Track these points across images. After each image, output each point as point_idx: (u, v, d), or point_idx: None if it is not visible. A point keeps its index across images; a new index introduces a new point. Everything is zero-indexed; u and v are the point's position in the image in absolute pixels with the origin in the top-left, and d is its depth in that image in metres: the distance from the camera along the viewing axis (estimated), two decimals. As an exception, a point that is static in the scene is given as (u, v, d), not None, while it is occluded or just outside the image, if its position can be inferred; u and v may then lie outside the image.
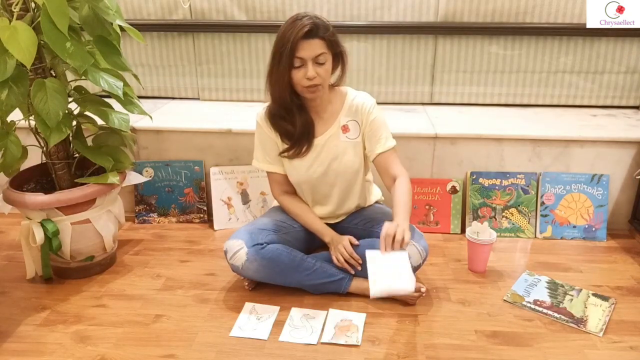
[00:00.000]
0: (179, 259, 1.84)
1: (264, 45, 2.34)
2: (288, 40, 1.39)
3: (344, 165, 1.59)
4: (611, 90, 2.32)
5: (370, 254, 1.40)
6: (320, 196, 1.67)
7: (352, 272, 1.57)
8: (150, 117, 1.82)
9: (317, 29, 1.41)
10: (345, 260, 1.56)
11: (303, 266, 1.55)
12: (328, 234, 1.64)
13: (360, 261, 1.55)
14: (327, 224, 1.74)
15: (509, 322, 1.48)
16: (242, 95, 2.46)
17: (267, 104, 1.58)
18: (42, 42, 1.48)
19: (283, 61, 1.41)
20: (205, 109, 2.34)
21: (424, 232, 1.64)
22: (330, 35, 1.44)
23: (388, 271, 1.34)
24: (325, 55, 1.44)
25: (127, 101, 1.64)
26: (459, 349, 1.37)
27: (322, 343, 1.39)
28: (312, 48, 1.41)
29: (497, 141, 1.99)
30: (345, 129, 1.58)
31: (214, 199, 2.07)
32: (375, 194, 1.81)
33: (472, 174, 2.01)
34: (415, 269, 1.54)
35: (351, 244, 1.59)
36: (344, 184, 1.63)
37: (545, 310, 1.53)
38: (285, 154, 1.59)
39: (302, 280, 1.56)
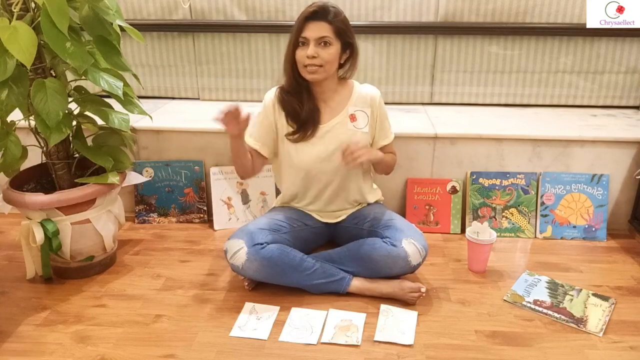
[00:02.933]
0: (179, 259, 1.84)
1: (264, 45, 2.35)
2: (297, 21, 1.48)
3: None
4: (611, 90, 2.32)
5: (384, 307, 1.51)
6: (320, 185, 1.67)
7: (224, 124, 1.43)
8: (150, 117, 1.82)
9: (324, 13, 1.47)
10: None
11: (303, 266, 1.55)
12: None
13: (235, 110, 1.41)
14: (326, 223, 1.75)
15: (509, 322, 1.48)
16: (242, 95, 2.46)
17: (280, 85, 1.64)
18: (42, 42, 1.48)
19: (291, 41, 1.50)
20: (205, 109, 2.34)
21: (424, 232, 1.64)
22: (339, 22, 1.49)
23: (396, 326, 1.45)
24: (329, 40, 1.48)
25: (127, 101, 1.64)
26: (459, 349, 1.37)
27: (322, 343, 1.39)
28: (317, 29, 1.46)
29: (497, 141, 1.99)
30: (352, 117, 1.61)
31: (214, 199, 2.07)
32: (376, 194, 1.81)
33: (472, 174, 2.01)
34: (414, 268, 1.55)
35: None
36: (344, 173, 1.64)
37: (545, 310, 1.53)
38: (291, 137, 1.61)
39: (302, 280, 1.56)
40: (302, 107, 1.58)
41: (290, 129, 1.61)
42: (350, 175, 1.66)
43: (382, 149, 1.68)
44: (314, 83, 1.57)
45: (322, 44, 1.48)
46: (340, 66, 1.59)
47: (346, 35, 1.52)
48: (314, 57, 1.47)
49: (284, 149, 1.66)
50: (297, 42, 1.49)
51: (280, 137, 1.65)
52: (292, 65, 1.53)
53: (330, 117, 1.61)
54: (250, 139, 1.67)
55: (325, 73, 1.52)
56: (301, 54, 1.49)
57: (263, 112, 1.65)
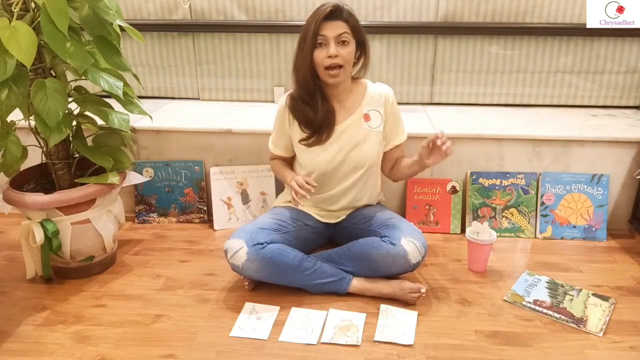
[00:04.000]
0: (179, 259, 1.84)
1: (264, 45, 2.34)
2: (312, 23, 1.46)
3: (363, 154, 1.62)
4: (611, 90, 2.32)
5: (384, 307, 1.51)
6: (333, 185, 1.67)
7: (301, 203, 1.54)
8: (150, 117, 1.82)
9: (340, 11, 1.48)
10: (300, 187, 1.52)
11: (303, 266, 1.55)
12: (290, 177, 1.63)
13: (316, 184, 1.54)
14: (326, 223, 1.75)
15: (509, 322, 1.48)
16: (242, 95, 2.46)
17: (289, 91, 1.63)
18: (42, 42, 1.48)
19: (307, 42, 1.48)
20: (205, 109, 2.34)
21: (424, 232, 1.64)
22: (354, 20, 1.50)
23: (396, 326, 1.45)
24: (348, 37, 1.48)
25: (127, 101, 1.64)
26: (459, 349, 1.37)
27: (322, 343, 1.39)
28: (335, 28, 1.46)
29: (497, 141, 1.99)
30: (366, 117, 1.61)
31: (214, 199, 2.07)
32: (380, 194, 1.81)
33: (472, 174, 2.01)
34: (414, 266, 1.55)
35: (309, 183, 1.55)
36: (358, 174, 1.64)
37: (545, 310, 1.53)
38: (305, 142, 1.61)
39: (302, 280, 1.56)
40: (316, 112, 1.57)
41: (305, 135, 1.62)
42: (366, 176, 1.66)
43: (395, 148, 1.67)
44: (330, 85, 1.57)
45: (341, 42, 1.48)
46: (353, 65, 1.58)
47: (360, 34, 1.53)
48: (335, 56, 1.47)
49: (299, 152, 1.67)
50: (314, 44, 1.47)
51: (294, 141, 1.67)
52: (310, 69, 1.51)
53: (345, 117, 1.62)
54: (273, 146, 1.73)
55: (345, 74, 1.53)
56: (321, 55, 1.48)
57: (278, 118, 1.67)
